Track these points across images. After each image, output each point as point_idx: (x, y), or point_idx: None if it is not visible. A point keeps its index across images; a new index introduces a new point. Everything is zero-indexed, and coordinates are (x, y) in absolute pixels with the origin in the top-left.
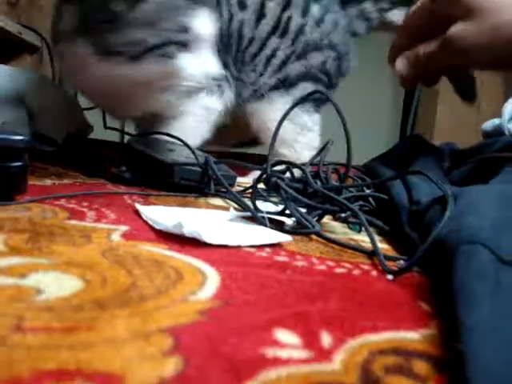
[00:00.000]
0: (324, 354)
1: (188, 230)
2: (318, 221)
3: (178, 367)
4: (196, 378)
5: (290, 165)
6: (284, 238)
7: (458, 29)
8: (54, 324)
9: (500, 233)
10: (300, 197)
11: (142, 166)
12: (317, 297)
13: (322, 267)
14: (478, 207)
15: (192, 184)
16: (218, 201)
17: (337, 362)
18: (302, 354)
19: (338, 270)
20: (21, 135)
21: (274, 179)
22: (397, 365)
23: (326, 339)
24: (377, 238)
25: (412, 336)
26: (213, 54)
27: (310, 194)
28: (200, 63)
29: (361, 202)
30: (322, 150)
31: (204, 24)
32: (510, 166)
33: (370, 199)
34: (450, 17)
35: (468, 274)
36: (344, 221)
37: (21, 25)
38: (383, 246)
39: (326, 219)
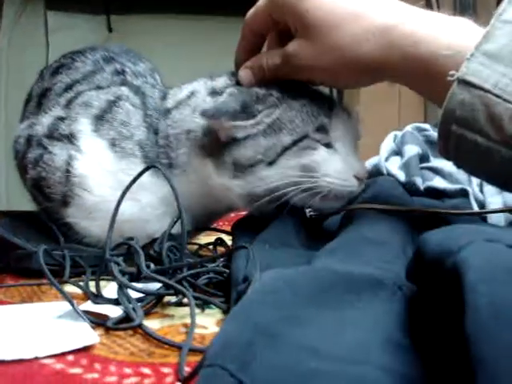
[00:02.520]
0: None
1: None
2: (155, 306)
3: None
4: None
5: (129, 246)
6: (90, 340)
7: (295, 47)
8: None
9: (257, 346)
10: (129, 284)
11: (5, 251)
12: None
13: (113, 379)
14: (248, 309)
15: (55, 268)
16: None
17: None
18: None
19: (128, 381)
20: None
21: (110, 264)
22: None
23: None
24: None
25: None
26: None
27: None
28: None
29: (211, 275)
30: (173, 225)
31: None
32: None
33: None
34: (288, 24)
35: None
36: (179, 304)
37: None
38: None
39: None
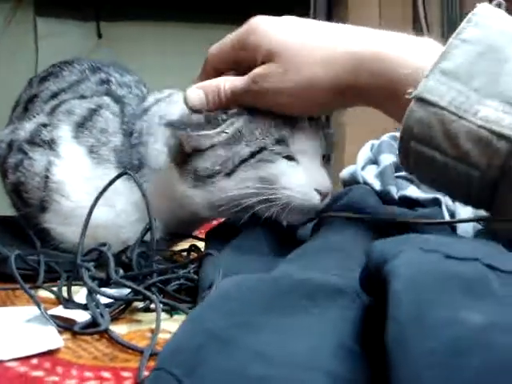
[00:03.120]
0: None
1: None
2: (124, 311)
3: None
4: None
5: (100, 252)
6: (55, 344)
7: (262, 70)
8: None
9: (207, 351)
10: (98, 289)
11: None
12: None
13: (72, 382)
14: (201, 315)
15: (30, 273)
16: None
17: None
18: None
19: None
20: None
21: (80, 269)
22: None
23: None
24: None
25: None
26: None
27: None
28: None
29: (182, 281)
30: (146, 233)
31: None
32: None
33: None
34: (253, 59)
35: None
36: (147, 309)
37: None
38: None
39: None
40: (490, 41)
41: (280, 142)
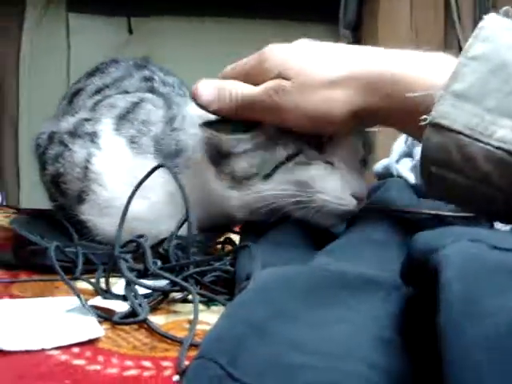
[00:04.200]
0: None
1: None
2: (161, 302)
3: None
4: None
5: (138, 243)
6: (95, 333)
7: (277, 84)
8: None
9: (247, 341)
10: (137, 280)
11: (22, 246)
12: None
13: (114, 371)
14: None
15: (68, 265)
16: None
17: None
18: None
19: (129, 373)
20: None
21: (118, 261)
22: None
23: None
24: None
25: None
26: None
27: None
28: None
29: (218, 273)
30: (182, 224)
31: None
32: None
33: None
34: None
35: None
36: (185, 300)
37: None
38: None
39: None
40: (500, 56)
41: (317, 145)
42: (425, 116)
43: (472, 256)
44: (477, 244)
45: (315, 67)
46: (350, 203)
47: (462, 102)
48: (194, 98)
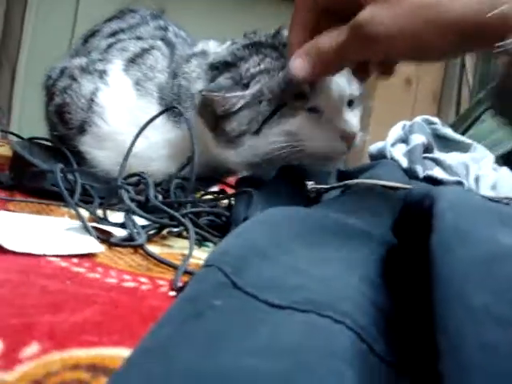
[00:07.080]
0: (13, 363)
1: None
2: (157, 234)
3: None
4: None
5: (141, 177)
6: (95, 248)
7: (368, 14)
8: None
9: (250, 260)
10: (137, 209)
11: (21, 169)
12: (70, 307)
13: (113, 280)
14: (247, 231)
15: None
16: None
17: (17, 372)
18: None
19: (127, 284)
20: None
21: (120, 191)
22: (74, 381)
23: (30, 349)
24: None
25: (122, 353)
26: None
27: (153, 208)
28: None
29: (211, 217)
30: (187, 164)
31: None
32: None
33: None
34: (352, 2)
35: (183, 297)
36: (179, 235)
37: None
38: None
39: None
40: None
41: (299, 96)
42: None
43: (466, 195)
44: (471, 192)
45: None
46: (339, 146)
47: None
48: (292, 77)
